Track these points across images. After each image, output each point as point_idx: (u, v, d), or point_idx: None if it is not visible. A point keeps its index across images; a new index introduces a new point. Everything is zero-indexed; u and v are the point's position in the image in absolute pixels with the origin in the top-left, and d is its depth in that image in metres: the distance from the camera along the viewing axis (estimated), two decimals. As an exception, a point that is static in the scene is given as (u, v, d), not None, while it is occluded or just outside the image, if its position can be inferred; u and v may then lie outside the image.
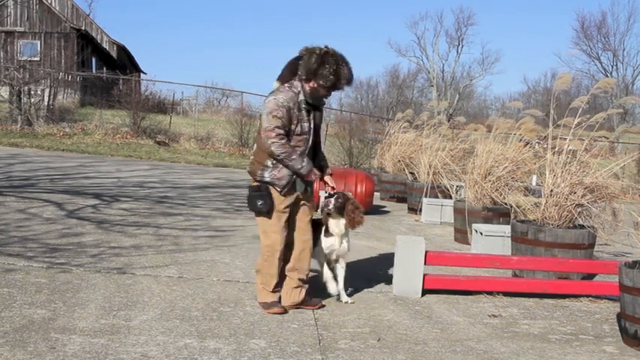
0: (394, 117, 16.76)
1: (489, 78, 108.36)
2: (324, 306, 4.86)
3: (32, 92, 21.46)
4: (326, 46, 4.56)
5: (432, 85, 55.67)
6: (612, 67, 46.42)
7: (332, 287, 5.05)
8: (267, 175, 4.60)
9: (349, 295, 5.14)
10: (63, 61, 31.75)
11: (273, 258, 4.68)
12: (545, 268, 5.87)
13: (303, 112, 4.60)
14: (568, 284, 5.79)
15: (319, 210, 5.10)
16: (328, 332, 4.33)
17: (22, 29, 32.51)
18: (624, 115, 38.41)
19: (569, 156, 6.55)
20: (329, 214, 4.92)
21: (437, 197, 10.30)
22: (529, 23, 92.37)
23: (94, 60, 36.33)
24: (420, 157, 11.42)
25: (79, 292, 4.83)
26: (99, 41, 36.59)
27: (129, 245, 6.61)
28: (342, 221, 4.92)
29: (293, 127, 4.56)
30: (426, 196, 10.32)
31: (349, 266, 5.29)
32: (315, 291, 4.99)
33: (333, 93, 4.75)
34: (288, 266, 4.80)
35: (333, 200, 4.86)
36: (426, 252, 5.41)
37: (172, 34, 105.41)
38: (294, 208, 4.73)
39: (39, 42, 32.38)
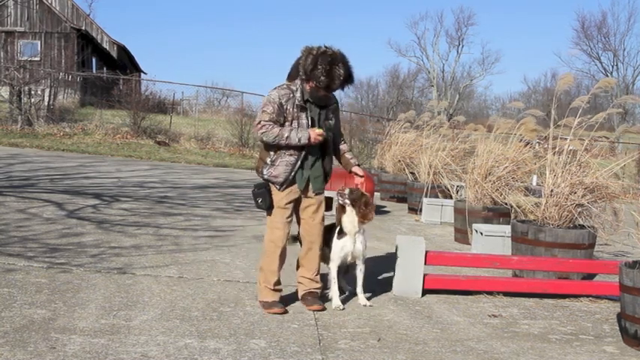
0: (394, 117, 16.76)
1: (489, 78, 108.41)
2: (324, 309, 4.83)
3: (32, 92, 21.46)
4: (325, 46, 4.55)
5: (432, 85, 55.66)
6: (612, 67, 46.45)
7: (335, 302, 4.92)
8: (265, 173, 4.71)
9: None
10: (63, 61, 31.76)
11: (274, 254, 4.74)
12: (546, 268, 5.87)
13: (301, 109, 4.64)
14: (568, 284, 5.79)
15: (334, 210, 5.09)
16: (328, 332, 4.33)
17: (22, 29, 32.51)
18: (624, 115, 38.42)
19: (570, 156, 6.55)
20: (342, 211, 4.89)
21: (437, 197, 10.30)
22: (529, 23, 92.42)
23: (94, 60, 36.35)
24: (420, 157, 11.42)
25: (79, 292, 4.83)
26: (99, 41, 36.59)
27: (129, 245, 6.61)
28: (356, 218, 4.86)
29: (287, 123, 4.64)
30: (426, 196, 10.32)
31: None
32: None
33: (335, 92, 4.78)
34: (298, 261, 4.98)
35: (347, 192, 4.86)
36: (426, 252, 5.41)
37: (172, 34, 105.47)
38: (299, 207, 4.80)
39: (39, 42, 32.39)
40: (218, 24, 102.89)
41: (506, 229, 7.04)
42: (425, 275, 5.42)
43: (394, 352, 4.03)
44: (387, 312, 4.92)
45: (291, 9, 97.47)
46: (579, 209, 6.32)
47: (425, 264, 5.40)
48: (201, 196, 10.97)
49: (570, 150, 6.63)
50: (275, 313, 4.64)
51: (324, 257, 5.05)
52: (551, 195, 6.34)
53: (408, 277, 5.39)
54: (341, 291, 5.07)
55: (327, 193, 5.14)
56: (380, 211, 10.99)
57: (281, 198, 4.70)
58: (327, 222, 4.99)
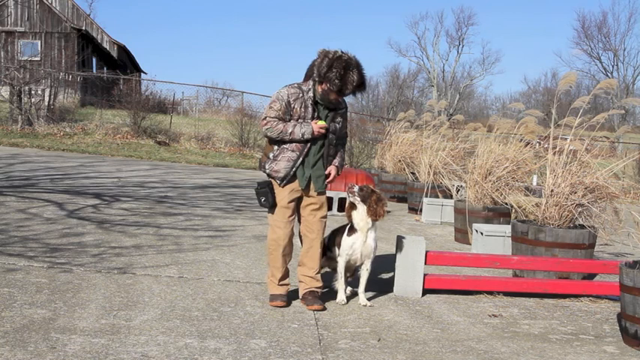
0: (394, 117, 16.75)
1: (490, 78, 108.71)
2: (325, 309, 4.84)
3: (33, 92, 21.44)
4: (342, 51, 4.61)
5: (433, 85, 55.68)
6: (613, 67, 46.50)
7: (340, 297, 4.98)
8: (267, 167, 4.79)
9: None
10: (63, 61, 31.76)
11: (277, 252, 4.82)
12: (546, 268, 5.87)
13: (309, 109, 4.68)
14: (568, 284, 5.79)
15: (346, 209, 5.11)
16: (329, 332, 4.33)
17: (22, 29, 32.53)
18: (625, 115, 38.44)
19: (570, 156, 6.55)
20: (352, 208, 4.90)
21: (437, 197, 10.30)
22: (529, 23, 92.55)
23: (94, 60, 36.37)
24: (420, 157, 11.42)
25: (79, 292, 4.83)
26: (99, 41, 36.61)
27: (129, 245, 6.61)
28: (367, 214, 4.85)
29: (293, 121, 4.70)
30: (426, 196, 10.32)
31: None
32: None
33: (346, 97, 4.84)
34: (299, 260, 4.98)
35: (357, 189, 4.86)
36: (427, 252, 5.42)
37: (172, 34, 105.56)
38: (300, 205, 4.84)
39: (39, 42, 32.41)
40: (218, 24, 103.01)
41: (507, 229, 7.04)
42: (425, 275, 5.42)
43: (394, 352, 4.03)
44: (387, 312, 4.92)
45: (291, 9, 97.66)
46: (579, 209, 6.32)
47: (425, 264, 5.40)
48: (202, 196, 10.97)
49: (571, 150, 6.63)
50: (275, 306, 4.74)
51: (333, 260, 5.10)
52: (551, 195, 6.34)
53: (408, 277, 5.39)
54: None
55: (327, 193, 5.14)
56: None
57: (283, 197, 4.75)
58: (326, 222, 4.99)
